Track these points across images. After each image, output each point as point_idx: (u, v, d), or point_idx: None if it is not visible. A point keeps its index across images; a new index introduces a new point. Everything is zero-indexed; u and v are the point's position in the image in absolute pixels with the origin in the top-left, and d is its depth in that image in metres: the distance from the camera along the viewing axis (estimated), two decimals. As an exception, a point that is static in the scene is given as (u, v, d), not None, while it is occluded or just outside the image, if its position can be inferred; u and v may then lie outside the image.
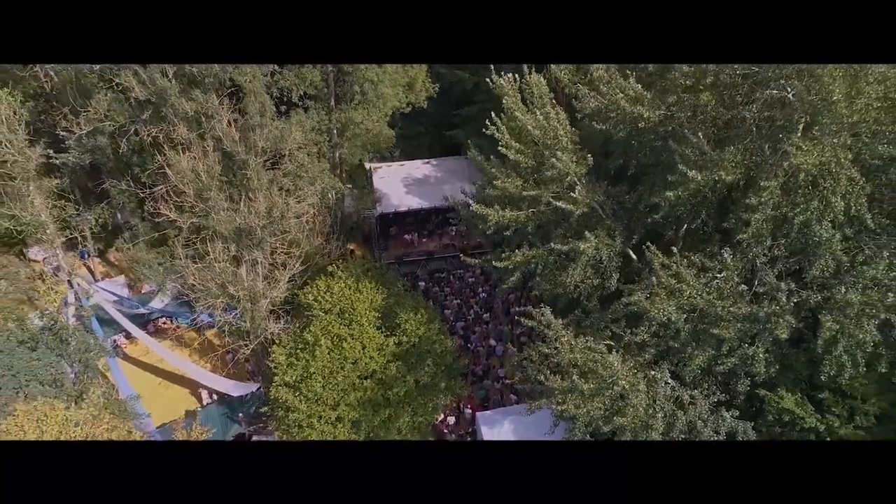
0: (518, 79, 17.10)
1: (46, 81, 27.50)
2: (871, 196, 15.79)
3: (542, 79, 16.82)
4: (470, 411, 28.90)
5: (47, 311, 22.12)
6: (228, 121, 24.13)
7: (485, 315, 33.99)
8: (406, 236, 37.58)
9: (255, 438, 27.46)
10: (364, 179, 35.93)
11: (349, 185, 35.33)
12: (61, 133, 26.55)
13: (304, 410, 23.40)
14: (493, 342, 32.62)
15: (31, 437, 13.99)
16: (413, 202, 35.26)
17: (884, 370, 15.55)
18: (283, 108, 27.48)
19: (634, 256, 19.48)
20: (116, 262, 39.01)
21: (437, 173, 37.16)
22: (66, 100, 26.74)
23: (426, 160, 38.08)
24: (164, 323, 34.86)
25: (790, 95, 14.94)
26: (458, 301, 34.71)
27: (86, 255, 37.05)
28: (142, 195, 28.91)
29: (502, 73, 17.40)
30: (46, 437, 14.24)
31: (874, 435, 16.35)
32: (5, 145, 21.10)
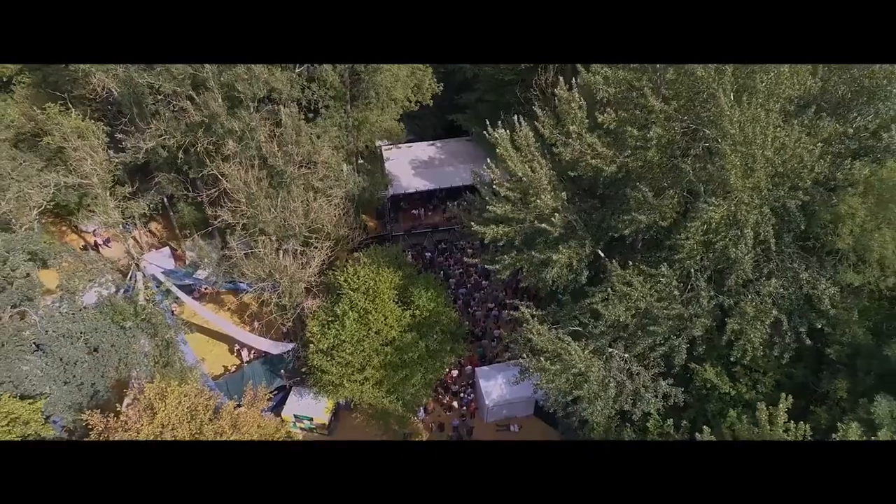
0: (510, 132, 21.72)
1: (101, 90, 31.58)
2: (779, 222, 20.81)
3: (529, 132, 21.50)
4: (470, 367, 34.93)
5: (139, 301, 27.56)
6: (270, 133, 28.69)
7: (483, 282, 39.46)
8: (414, 211, 42.55)
9: (294, 390, 33.46)
10: (376, 157, 40.40)
11: (362, 161, 39.92)
12: (119, 136, 31.22)
13: (336, 373, 29.28)
14: (490, 306, 38.31)
15: (159, 409, 19.58)
16: (420, 184, 39.99)
17: (776, 354, 21.17)
18: (310, 115, 31.83)
19: (602, 254, 24.71)
20: (157, 233, 44.12)
21: (441, 155, 41.67)
22: (124, 108, 31.18)
23: (431, 142, 42.47)
24: (206, 289, 40.37)
25: (719, 144, 19.71)
26: (461, 270, 40.11)
27: (129, 227, 41.98)
28: (188, 188, 33.86)
29: (498, 123, 22.04)
30: (168, 408, 19.84)
31: (769, 397, 22.06)
32: (90, 164, 25.74)
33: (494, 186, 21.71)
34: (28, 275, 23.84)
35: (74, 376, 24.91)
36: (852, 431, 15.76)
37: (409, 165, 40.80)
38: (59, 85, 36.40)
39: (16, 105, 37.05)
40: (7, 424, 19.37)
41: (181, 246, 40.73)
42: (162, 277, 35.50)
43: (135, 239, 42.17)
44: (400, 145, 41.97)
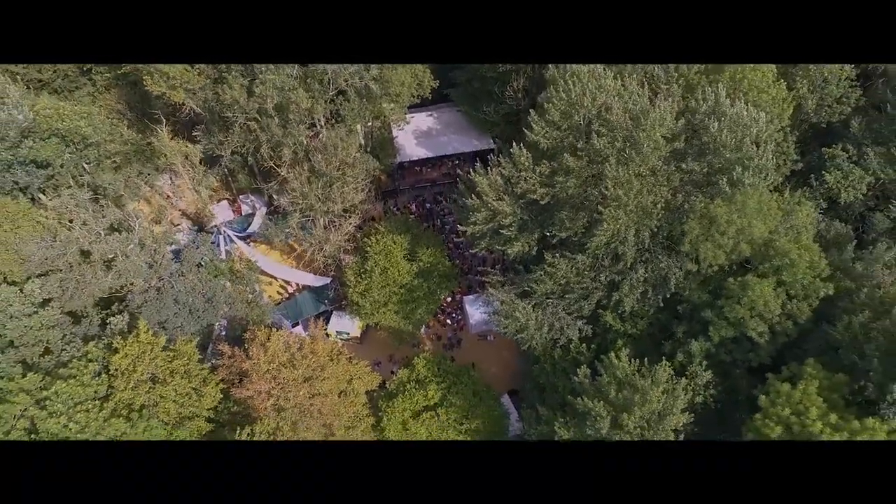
0: (486, 173, 33.04)
1: (182, 105, 41.75)
2: (653, 229, 32.86)
3: (498, 176, 32.88)
4: (460, 295, 48.32)
5: (222, 258, 40.27)
6: (312, 137, 39.69)
7: (470, 228, 51.68)
8: (416, 168, 53.79)
9: (335, 313, 47.03)
10: (385, 138, 50.97)
11: (376, 124, 50.54)
12: (197, 135, 42.15)
13: (368, 308, 42.70)
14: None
15: (269, 346, 32.72)
16: (422, 152, 51.01)
17: (646, 309, 34.25)
18: (338, 117, 42.39)
19: (548, 234, 36.96)
20: (215, 189, 55.40)
21: (437, 125, 52.18)
22: (201, 117, 41.81)
23: (429, 112, 52.63)
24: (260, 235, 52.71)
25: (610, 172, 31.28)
26: (453, 218, 52.12)
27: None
28: (246, 169, 45.21)
29: (478, 167, 33.30)
30: (273, 344, 33.01)
31: (644, 332, 35.41)
32: (190, 174, 37.16)
33: (472, 215, 33.62)
34: (165, 256, 36.29)
35: (199, 317, 38.17)
36: (662, 366, 29.10)
37: (412, 136, 51.43)
38: (136, 83, 46.24)
39: (100, 98, 47.24)
40: (184, 361, 32.78)
41: (237, 200, 52.46)
42: (231, 232, 47.86)
43: (197, 191, 53.77)
44: (404, 120, 52.15)
